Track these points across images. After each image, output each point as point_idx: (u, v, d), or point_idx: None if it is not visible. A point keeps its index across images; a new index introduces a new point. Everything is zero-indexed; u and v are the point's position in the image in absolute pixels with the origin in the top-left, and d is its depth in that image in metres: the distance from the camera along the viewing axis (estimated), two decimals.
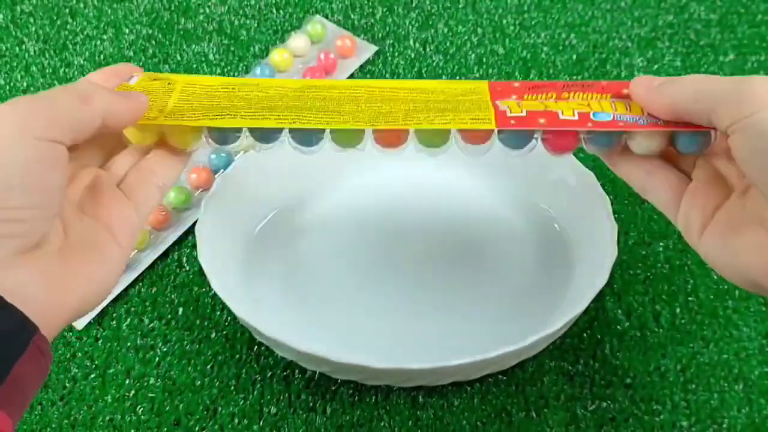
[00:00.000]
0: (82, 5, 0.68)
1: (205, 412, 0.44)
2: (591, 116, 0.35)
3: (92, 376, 0.46)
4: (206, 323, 0.48)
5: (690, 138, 0.34)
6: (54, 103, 0.28)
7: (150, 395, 0.45)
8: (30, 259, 0.28)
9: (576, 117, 0.35)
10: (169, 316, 0.48)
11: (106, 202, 0.33)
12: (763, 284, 0.31)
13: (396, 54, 0.64)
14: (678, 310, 0.48)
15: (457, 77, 0.62)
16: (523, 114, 0.35)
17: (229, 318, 0.48)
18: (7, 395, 0.27)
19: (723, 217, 0.33)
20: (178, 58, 0.63)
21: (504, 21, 0.66)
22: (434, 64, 0.63)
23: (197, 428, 0.43)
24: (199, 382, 0.45)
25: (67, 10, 0.67)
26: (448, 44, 0.64)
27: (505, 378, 0.45)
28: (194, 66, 0.63)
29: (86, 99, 0.30)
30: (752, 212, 0.32)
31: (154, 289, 0.50)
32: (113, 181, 0.35)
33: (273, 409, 0.44)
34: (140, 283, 0.50)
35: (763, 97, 0.30)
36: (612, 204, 0.46)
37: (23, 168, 0.26)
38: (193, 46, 0.64)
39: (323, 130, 0.36)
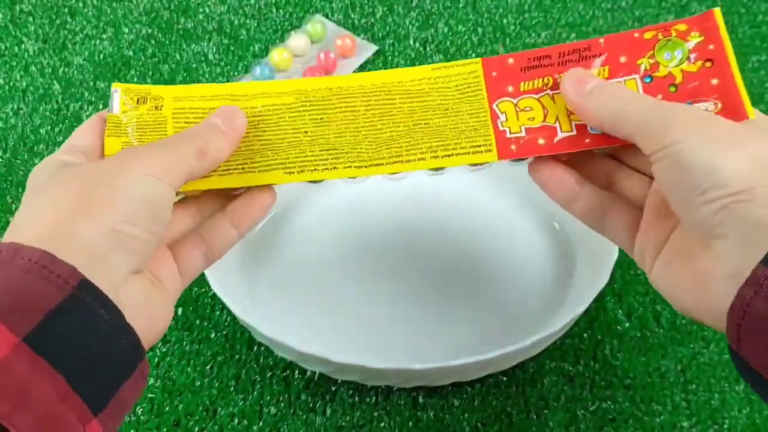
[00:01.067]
0: (81, 4, 0.68)
1: (205, 413, 0.44)
2: (588, 129, 0.34)
3: None
4: (206, 323, 0.48)
5: None
6: (175, 156, 0.31)
7: (149, 396, 0.45)
8: (138, 279, 0.30)
9: (573, 132, 0.34)
10: None
11: (158, 257, 0.34)
12: (694, 315, 0.30)
13: (396, 53, 0.64)
14: None
15: None
16: (522, 134, 0.35)
17: (228, 318, 0.48)
18: (109, 417, 0.27)
19: (669, 247, 0.32)
20: (178, 57, 0.63)
21: (504, 20, 0.66)
22: (434, 63, 0.63)
23: (197, 429, 0.43)
24: (198, 383, 0.45)
25: (67, 10, 0.67)
26: (448, 44, 0.64)
27: (505, 379, 0.45)
28: (194, 66, 0.63)
29: (203, 155, 0.32)
30: (682, 242, 0.31)
31: None
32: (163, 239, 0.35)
33: (273, 410, 0.44)
34: None
35: (686, 126, 0.29)
36: None
37: (148, 198, 0.30)
38: (193, 45, 0.64)
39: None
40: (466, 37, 0.65)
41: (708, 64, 0.34)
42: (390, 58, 0.63)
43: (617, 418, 0.44)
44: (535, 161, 0.35)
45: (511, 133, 0.35)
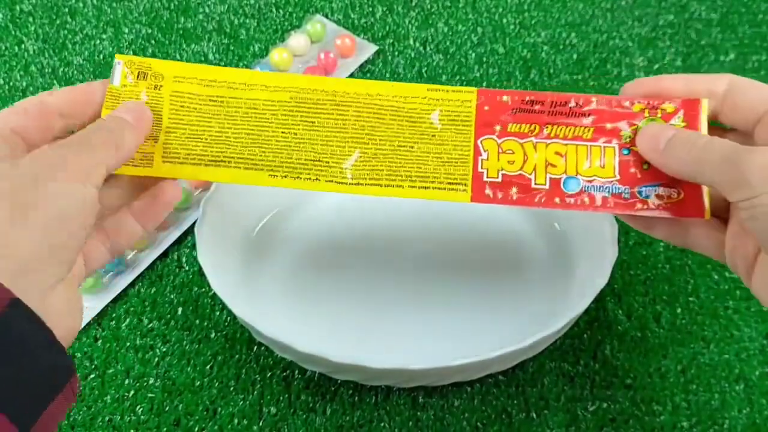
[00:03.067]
0: (81, 4, 0.68)
1: (205, 413, 0.44)
2: (561, 186, 0.35)
3: (91, 376, 0.46)
4: (206, 323, 0.48)
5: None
6: (95, 156, 0.31)
7: (149, 395, 0.45)
8: (62, 285, 0.30)
9: (547, 186, 0.35)
10: (169, 316, 0.48)
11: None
12: None
13: (396, 53, 0.64)
14: (679, 310, 0.48)
15: (457, 77, 0.62)
16: (498, 180, 0.36)
17: (228, 318, 0.48)
18: None
19: (760, 261, 0.32)
20: (178, 57, 0.63)
21: (504, 20, 0.66)
22: (434, 63, 0.63)
23: (197, 429, 0.43)
24: (198, 383, 0.45)
25: (67, 10, 0.67)
26: (448, 43, 0.64)
27: (505, 379, 0.45)
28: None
29: (119, 149, 0.32)
30: None
31: (154, 289, 0.49)
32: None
33: (273, 410, 0.44)
34: (139, 283, 0.50)
35: (762, 177, 0.29)
36: None
37: (72, 206, 0.29)
38: (193, 45, 0.64)
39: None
40: (465, 36, 0.65)
41: None
42: (390, 58, 0.63)
43: (617, 418, 0.44)
44: None
45: (488, 176, 0.36)
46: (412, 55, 0.64)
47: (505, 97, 0.37)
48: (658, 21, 0.65)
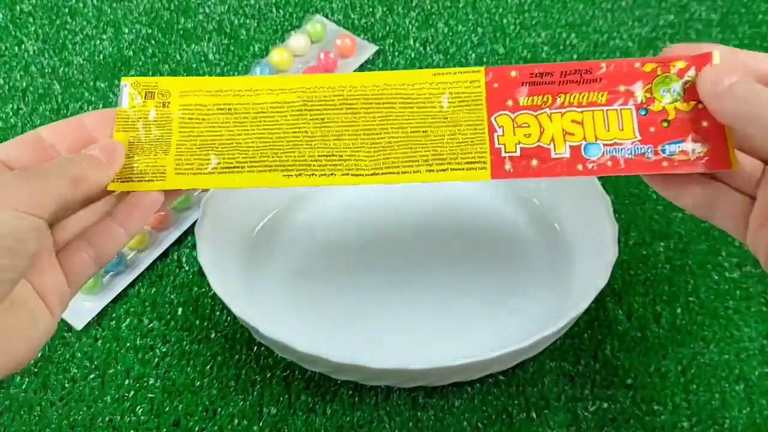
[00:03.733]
0: (81, 5, 0.68)
1: (205, 413, 0.44)
2: (582, 152, 0.35)
3: (91, 376, 0.46)
4: (206, 323, 0.48)
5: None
6: (46, 186, 0.31)
7: (149, 396, 0.45)
8: None
9: (567, 154, 0.35)
10: (169, 316, 0.48)
11: (41, 269, 0.33)
12: None
13: (396, 53, 0.64)
14: (679, 310, 0.48)
15: None
16: (517, 154, 0.35)
17: (228, 318, 0.48)
18: None
19: None
20: (178, 57, 0.63)
21: (504, 20, 0.66)
22: (434, 63, 0.63)
23: (197, 429, 0.43)
24: (198, 383, 0.45)
25: (67, 10, 0.67)
26: (448, 44, 0.64)
27: (505, 378, 0.45)
28: (194, 66, 0.63)
29: (77, 182, 0.32)
30: None
31: (154, 290, 0.49)
32: (52, 247, 0.35)
33: (273, 410, 0.44)
34: (139, 284, 0.50)
35: None
36: (612, 204, 0.46)
37: (13, 236, 0.29)
38: (193, 45, 0.64)
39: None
40: (466, 37, 0.65)
41: (701, 105, 0.34)
42: (390, 58, 0.63)
43: (618, 418, 0.44)
44: None
45: (506, 152, 0.35)
46: (412, 55, 0.64)
47: (513, 73, 0.36)
48: (659, 21, 0.65)
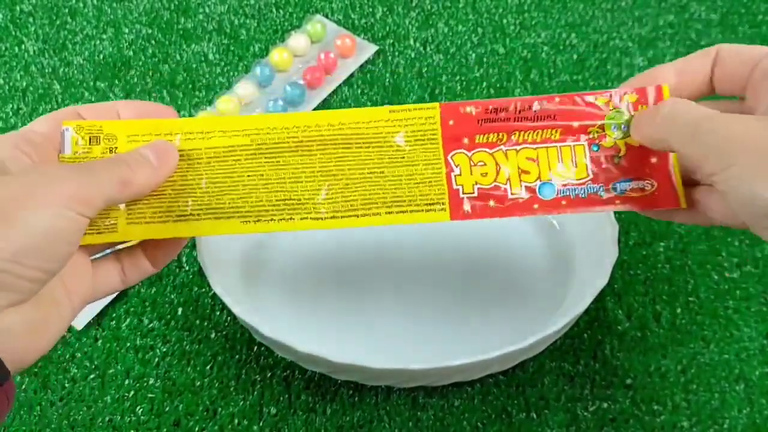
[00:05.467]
0: (81, 5, 0.68)
1: (205, 413, 0.44)
2: (537, 193, 0.36)
3: (91, 376, 0.46)
4: (206, 323, 0.48)
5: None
6: (96, 185, 0.30)
7: (149, 396, 0.45)
8: (18, 308, 0.29)
9: (524, 194, 0.36)
10: (169, 316, 0.48)
11: (76, 269, 0.33)
12: None
13: (396, 53, 0.64)
14: (678, 310, 0.48)
15: (457, 77, 0.62)
16: (475, 194, 0.36)
17: (228, 318, 0.48)
18: None
19: None
20: (178, 57, 0.63)
21: (504, 20, 0.66)
22: (434, 63, 0.63)
23: (197, 429, 0.43)
24: (198, 383, 0.45)
25: (67, 10, 0.67)
26: (448, 44, 0.64)
27: (505, 378, 0.45)
28: (194, 66, 0.63)
29: (127, 185, 0.31)
30: None
31: (154, 290, 0.49)
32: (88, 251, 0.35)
33: (273, 410, 0.44)
34: (139, 284, 0.50)
35: (737, 144, 0.28)
36: None
37: (48, 234, 0.28)
38: (193, 45, 0.64)
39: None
40: (466, 37, 0.65)
41: None
42: (390, 58, 0.63)
43: (618, 418, 0.44)
44: None
45: (464, 192, 0.36)
46: (413, 55, 0.64)
47: (468, 108, 0.36)
48: (658, 21, 0.65)
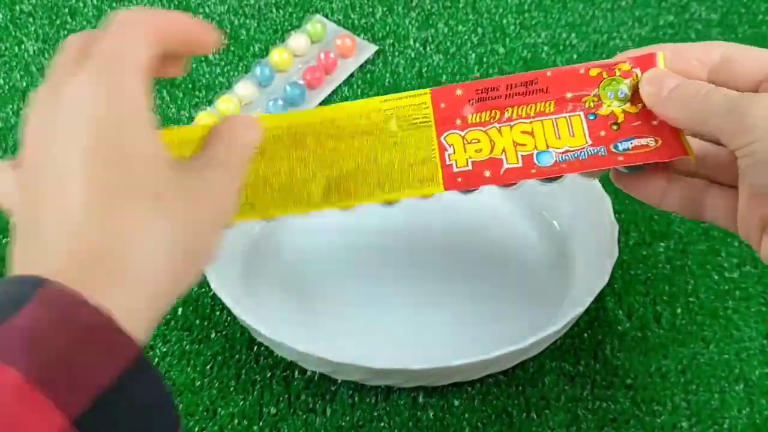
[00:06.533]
0: (81, 4, 0.68)
1: (205, 413, 0.44)
2: (534, 160, 0.35)
3: None
4: (206, 323, 0.48)
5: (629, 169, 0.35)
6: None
7: None
8: None
9: (520, 163, 0.35)
10: (169, 316, 0.48)
11: None
12: None
13: (396, 53, 0.64)
14: (679, 310, 0.48)
15: (457, 77, 0.62)
16: (469, 168, 0.35)
17: (228, 318, 0.48)
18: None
19: None
20: None
21: (504, 20, 0.66)
22: (434, 63, 0.63)
23: (197, 429, 0.43)
24: (198, 383, 0.45)
25: (67, 10, 0.67)
26: (448, 44, 0.64)
27: (505, 378, 0.45)
28: (194, 65, 0.63)
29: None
30: None
31: None
32: None
33: (273, 410, 0.44)
34: None
35: (763, 119, 0.28)
36: (612, 204, 0.46)
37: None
38: None
39: None
40: (466, 37, 0.65)
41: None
42: (390, 58, 0.63)
43: (618, 418, 0.44)
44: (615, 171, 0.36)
45: (457, 167, 0.36)
46: (413, 55, 0.64)
47: (459, 91, 0.36)
48: (659, 21, 0.65)
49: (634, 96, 0.35)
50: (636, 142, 0.34)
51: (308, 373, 0.45)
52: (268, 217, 0.36)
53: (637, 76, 0.35)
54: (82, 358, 0.22)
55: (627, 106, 0.35)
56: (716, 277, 0.49)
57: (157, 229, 0.25)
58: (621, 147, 0.35)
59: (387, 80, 0.62)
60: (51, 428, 0.21)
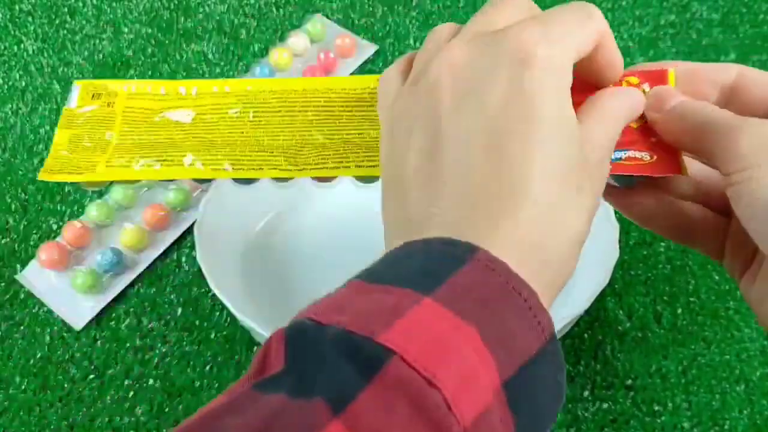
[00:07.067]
0: (81, 4, 0.68)
1: None
2: None
3: (91, 377, 0.46)
4: (205, 324, 0.48)
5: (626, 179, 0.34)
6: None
7: (149, 396, 0.45)
8: None
9: None
10: (168, 316, 0.48)
11: None
12: None
13: (396, 53, 0.63)
14: (679, 310, 0.48)
15: None
16: None
17: (228, 319, 0.48)
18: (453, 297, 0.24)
19: (756, 265, 0.31)
20: (178, 57, 0.63)
21: None
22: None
23: None
24: (198, 384, 0.45)
25: (66, 9, 0.67)
26: None
27: None
28: (194, 65, 0.63)
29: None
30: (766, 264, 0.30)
31: (153, 290, 0.49)
32: None
33: None
34: (139, 284, 0.50)
35: (761, 146, 0.27)
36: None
37: None
38: (193, 45, 0.64)
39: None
40: None
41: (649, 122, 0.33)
42: (390, 57, 0.63)
43: (618, 418, 0.44)
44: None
45: None
46: None
47: None
48: (659, 21, 0.65)
49: None
50: (630, 153, 0.33)
51: None
52: (237, 176, 0.35)
53: (644, 91, 0.33)
54: (516, 325, 0.24)
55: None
56: (717, 278, 0.49)
57: (578, 208, 0.27)
58: (614, 156, 0.33)
59: None
60: (493, 384, 0.22)
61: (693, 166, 0.33)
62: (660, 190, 0.34)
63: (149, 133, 0.37)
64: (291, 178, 0.35)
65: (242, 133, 0.36)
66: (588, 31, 0.29)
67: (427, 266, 0.24)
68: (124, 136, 0.36)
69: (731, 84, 0.32)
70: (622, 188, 0.35)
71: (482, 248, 0.25)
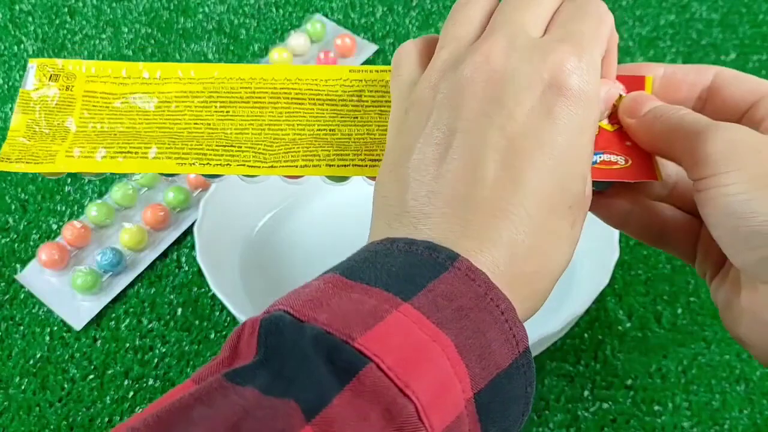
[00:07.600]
0: (80, 4, 0.68)
1: None
2: None
3: (91, 377, 0.45)
4: (205, 324, 0.48)
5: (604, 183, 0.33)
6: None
7: (149, 396, 0.45)
8: None
9: None
10: (168, 316, 0.48)
11: None
12: (745, 342, 0.29)
13: None
14: (679, 310, 0.48)
15: None
16: None
17: (228, 318, 0.48)
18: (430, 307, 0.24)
19: (725, 271, 0.31)
20: (177, 57, 0.63)
21: None
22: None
23: None
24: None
25: (66, 9, 0.67)
26: None
27: None
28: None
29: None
30: (735, 271, 0.29)
31: (153, 290, 0.49)
32: None
33: None
34: (139, 284, 0.50)
35: (729, 154, 0.26)
36: None
37: None
38: (192, 45, 0.64)
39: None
40: None
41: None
42: (390, 57, 0.63)
43: (618, 418, 0.43)
44: None
45: None
46: None
47: None
48: (659, 21, 0.65)
49: (613, 115, 0.33)
50: (605, 157, 0.33)
51: None
52: (204, 173, 0.34)
53: (621, 96, 0.33)
54: (492, 337, 0.24)
55: (605, 123, 0.33)
56: None
57: (569, 240, 0.28)
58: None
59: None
60: (465, 395, 0.22)
61: (668, 167, 0.33)
62: (635, 192, 0.33)
63: (111, 120, 0.35)
64: (258, 176, 0.34)
65: (209, 125, 0.35)
66: (604, 40, 0.29)
67: (408, 270, 0.24)
68: (85, 123, 0.35)
69: (709, 86, 0.32)
70: (596, 191, 0.34)
71: (463, 257, 0.25)
